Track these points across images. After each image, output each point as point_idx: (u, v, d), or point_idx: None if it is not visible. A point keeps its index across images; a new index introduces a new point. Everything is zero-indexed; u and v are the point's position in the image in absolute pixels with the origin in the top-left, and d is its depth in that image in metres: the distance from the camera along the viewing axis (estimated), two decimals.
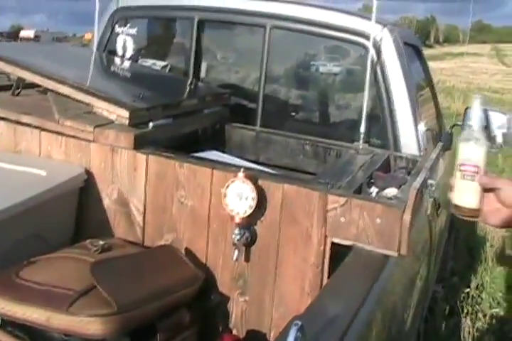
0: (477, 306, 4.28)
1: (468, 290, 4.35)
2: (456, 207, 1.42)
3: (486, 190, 1.39)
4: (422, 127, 2.77)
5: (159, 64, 3.20)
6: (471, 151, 1.40)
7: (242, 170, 1.84)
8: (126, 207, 2.07)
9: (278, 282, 1.90)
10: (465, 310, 4.08)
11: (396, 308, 1.86)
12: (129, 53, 3.09)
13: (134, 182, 2.04)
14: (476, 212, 1.41)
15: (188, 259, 1.91)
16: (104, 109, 2.14)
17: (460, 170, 1.40)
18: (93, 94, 2.17)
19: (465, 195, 1.41)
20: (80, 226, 2.11)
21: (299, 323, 1.04)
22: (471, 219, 1.44)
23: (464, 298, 4.26)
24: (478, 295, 4.43)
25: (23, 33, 30.86)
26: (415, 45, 3.36)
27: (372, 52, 2.62)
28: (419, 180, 1.97)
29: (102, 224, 2.10)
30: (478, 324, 3.91)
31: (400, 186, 2.09)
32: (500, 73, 30.51)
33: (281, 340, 1.14)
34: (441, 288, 4.27)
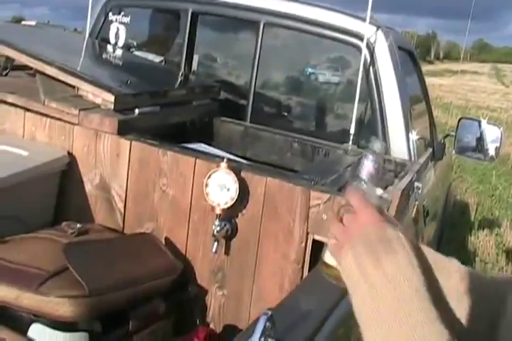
0: None
1: None
2: (328, 266, 1.08)
3: None
4: (413, 134, 2.74)
5: (154, 59, 3.17)
6: None
7: (225, 160, 1.82)
8: (108, 192, 2.03)
9: (257, 277, 1.87)
10: None
11: None
12: (121, 42, 3.05)
13: (116, 168, 2.01)
14: None
15: (167, 249, 1.88)
16: (89, 92, 2.10)
17: None
18: (79, 77, 2.14)
19: None
20: (60, 210, 2.08)
21: (269, 313, 1.02)
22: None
23: None
24: None
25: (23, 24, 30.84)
26: (410, 50, 3.34)
27: (365, 52, 2.59)
28: (405, 181, 1.96)
29: (82, 209, 2.06)
30: None
31: (386, 187, 2.07)
32: (498, 93, 30.66)
33: (251, 329, 1.11)
34: None
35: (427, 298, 0.79)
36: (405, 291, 0.80)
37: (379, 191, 2.13)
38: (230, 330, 1.93)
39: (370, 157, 1.09)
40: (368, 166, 1.09)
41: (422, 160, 2.50)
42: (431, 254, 0.93)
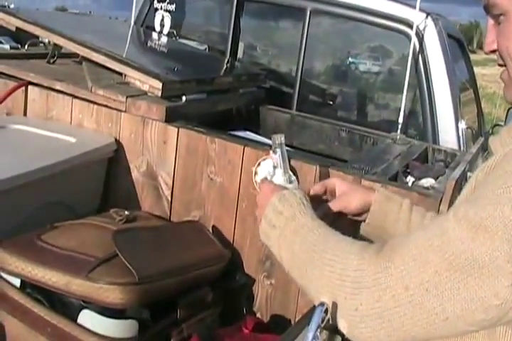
0: None
1: None
2: None
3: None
4: (462, 124, 2.67)
5: (197, 46, 3.15)
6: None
7: None
8: (155, 180, 2.02)
9: None
10: None
11: None
12: (166, 29, 3.04)
13: (163, 156, 1.99)
14: None
15: (214, 237, 1.86)
16: (136, 79, 2.09)
17: None
18: (126, 64, 2.13)
19: None
20: (107, 196, 2.08)
21: (325, 304, 0.99)
22: None
23: None
24: None
25: None
26: (459, 38, 3.27)
27: (414, 40, 2.54)
28: (458, 171, 1.90)
29: (129, 195, 2.06)
30: None
31: (438, 177, 2.01)
32: None
33: (305, 320, 1.08)
34: None
35: (317, 220, 1.05)
36: (300, 220, 1.05)
37: (430, 181, 2.09)
38: (277, 320, 1.91)
39: (278, 151, 1.55)
40: (275, 158, 1.55)
41: (473, 149, 2.43)
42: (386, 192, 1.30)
